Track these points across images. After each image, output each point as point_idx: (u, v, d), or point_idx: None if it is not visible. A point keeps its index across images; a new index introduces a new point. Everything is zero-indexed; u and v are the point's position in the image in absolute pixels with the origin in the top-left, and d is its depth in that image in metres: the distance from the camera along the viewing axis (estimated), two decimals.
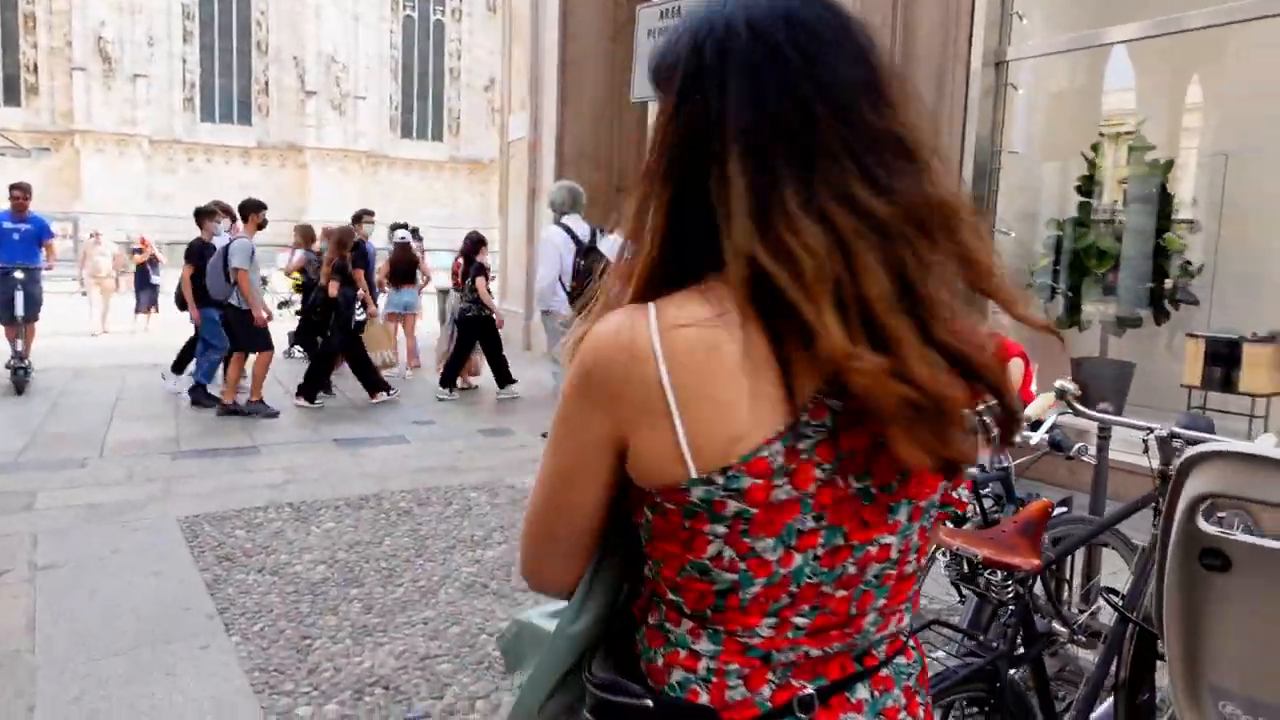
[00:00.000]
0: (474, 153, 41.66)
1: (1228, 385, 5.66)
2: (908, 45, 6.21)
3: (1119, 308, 6.54)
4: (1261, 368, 5.57)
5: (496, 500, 5.23)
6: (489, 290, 8.26)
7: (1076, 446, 2.24)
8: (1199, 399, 5.79)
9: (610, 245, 8.17)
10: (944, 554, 1.87)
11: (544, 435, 6.16)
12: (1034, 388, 5.44)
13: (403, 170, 41.09)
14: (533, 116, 11.16)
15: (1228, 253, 6.31)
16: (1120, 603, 1.96)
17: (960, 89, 6.03)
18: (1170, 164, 6.50)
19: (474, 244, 8.25)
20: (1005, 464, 2.35)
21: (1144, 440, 1.95)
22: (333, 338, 7.93)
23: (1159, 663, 2.04)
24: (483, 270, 8.13)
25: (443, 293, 10.95)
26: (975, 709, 1.81)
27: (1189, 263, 6.45)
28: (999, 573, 1.73)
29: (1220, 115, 6.69)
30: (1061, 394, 2.19)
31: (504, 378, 8.35)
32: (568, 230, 6.32)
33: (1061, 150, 7.04)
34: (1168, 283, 6.35)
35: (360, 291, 8.12)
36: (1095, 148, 6.72)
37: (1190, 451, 1.36)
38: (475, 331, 8.19)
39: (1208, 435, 1.94)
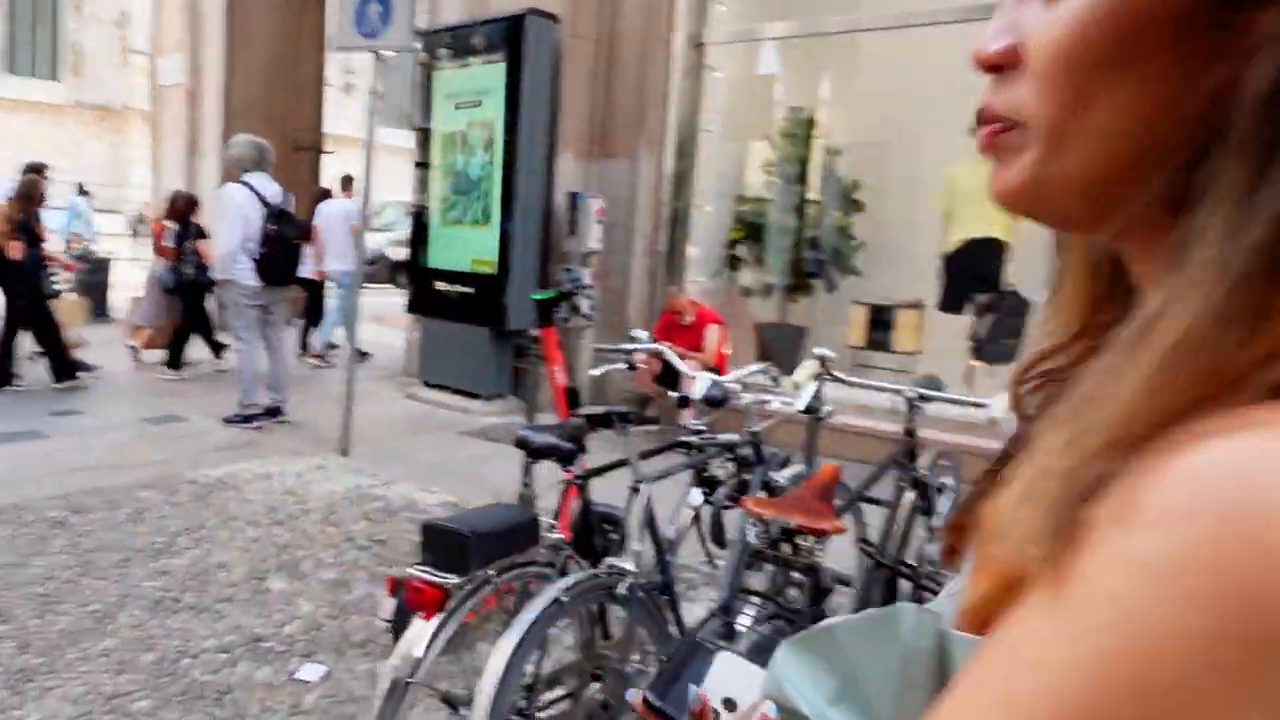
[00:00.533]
0: (103, 97, 35.81)
1: (883, 345, 6.60)
2: (615, 22, 6.28)
3: (792, 278, 7.40)
4: (908, 329, 6.59)
5: (176, 498, 4.54)
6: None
7: (827, 410, 2.38)
8: (862, 357, 6.65)
9: (335, 212, 7.59)
10: (753, 523, 1.89)
11: (226, 420, 5.40)
12: (727, 349, 5.93)
13: (9, 112, 34.32)
14: (191, 61, 9.83)
15: (885, 231, 7.28)
16: (874, 551, 2.12)
17: (663, 69, 6.23)
18: (838, 150, 7.34)
19: (189, 204, 7.69)
20: (757, 429, 2.44)
21: (907, 400, 2.12)
22: (18, 305, 6.74)
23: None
24: (202, 232, 7.52)
25: (89, 260, 9.95)
26: None
27: (852, 237, 7.38)
28: (809, 538, 1.78)
29: (879, 109, 7.54)
30: (822, 361, 2.31)
31: (179, 358, 7.57)
32: (252, 190, 5.61)
33: (751, 132, 7.61)
34: (826, 255, 7.33)
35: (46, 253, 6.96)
36: (779, 132, 7.39)
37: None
38: (201, 298, 7.64)
39: (940, 394, 2.16)
